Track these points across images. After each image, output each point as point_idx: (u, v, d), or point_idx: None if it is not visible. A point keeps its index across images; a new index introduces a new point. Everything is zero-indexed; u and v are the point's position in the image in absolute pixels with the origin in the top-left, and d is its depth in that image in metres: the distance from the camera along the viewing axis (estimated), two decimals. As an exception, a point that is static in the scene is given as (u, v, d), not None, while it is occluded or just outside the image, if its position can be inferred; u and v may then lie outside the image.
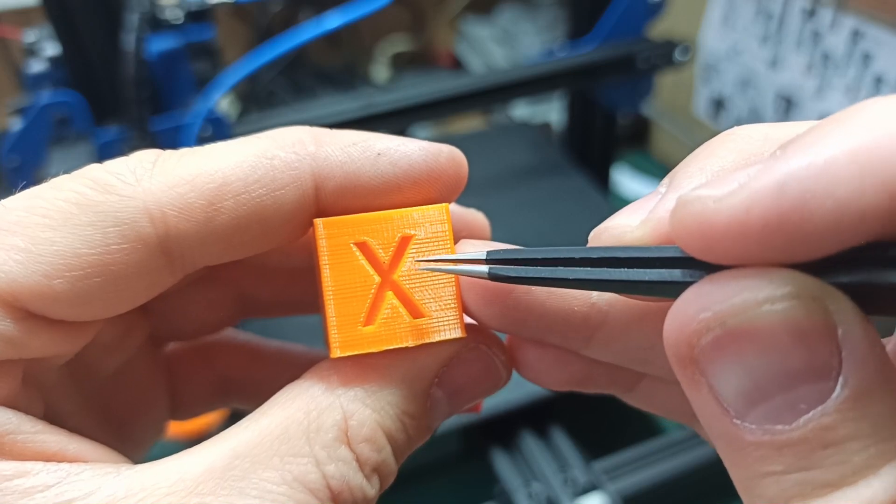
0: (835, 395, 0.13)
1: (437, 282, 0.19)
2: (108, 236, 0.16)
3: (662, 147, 1.05)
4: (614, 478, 0.53)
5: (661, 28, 0.74)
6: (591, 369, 0.21)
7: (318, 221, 0.18)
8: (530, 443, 0.56)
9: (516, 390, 0.56)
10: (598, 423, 0.59)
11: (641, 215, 0.16)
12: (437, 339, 0.18)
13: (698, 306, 0.13)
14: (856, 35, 0.69)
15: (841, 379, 0.13)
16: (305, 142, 0.18)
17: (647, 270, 0.15)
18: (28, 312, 0.16)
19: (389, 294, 0.18)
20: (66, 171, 0.18)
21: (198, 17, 0.63)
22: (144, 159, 0.18)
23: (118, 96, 0.55)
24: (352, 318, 0.18)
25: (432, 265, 0.18)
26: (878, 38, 0.67)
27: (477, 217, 0.22)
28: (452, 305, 0.19)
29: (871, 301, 0.13)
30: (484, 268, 0.17)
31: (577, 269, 0.16)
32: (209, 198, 0.17)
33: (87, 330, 0.18)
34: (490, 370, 0.20)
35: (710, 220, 0.13)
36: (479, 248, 0.19)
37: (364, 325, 0.18)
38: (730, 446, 0.14)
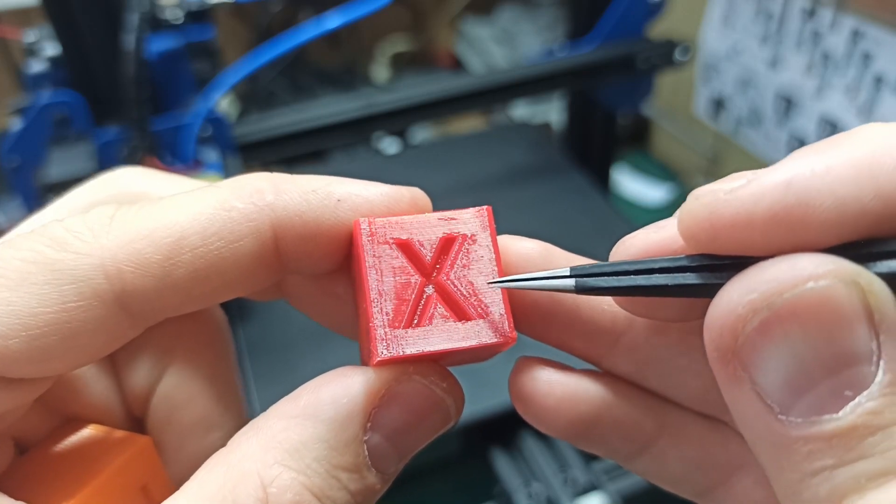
0: (878, 378, 0.13)
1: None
2: (65, 294, 0.16)
3: (662, 147, 1.05)
4: (614, 478, 0.53)
5: (661, 28, 0.74)
6: (602, 411, 0.20)
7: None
8: (530, 443, 0.56)
9: (516, 390, 0.56)
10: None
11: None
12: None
13: (744, 289, 0.14)
14: (856, 35, 0.69)
15: (882, 363, 0.13)
16: (264, 191, 0.18)
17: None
18: None
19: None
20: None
21: (198, 17, 0.63)
22: (103, 214, 0.18)
23: (118, 96, 0.55)
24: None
25: (515, 284, 0.17)
26: (878, 38, 0.67)
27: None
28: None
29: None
30: (570, 282, 0.17)
31: (665, 275, 0.16)
32: (166, 252, 0.17)
33: (44, 383, 0.18)
34: (430, 402, 0.18)
35: (719, 211, 0.14)
36: (533, 247, 0.19)
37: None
38: (775, 447, 0.14)
